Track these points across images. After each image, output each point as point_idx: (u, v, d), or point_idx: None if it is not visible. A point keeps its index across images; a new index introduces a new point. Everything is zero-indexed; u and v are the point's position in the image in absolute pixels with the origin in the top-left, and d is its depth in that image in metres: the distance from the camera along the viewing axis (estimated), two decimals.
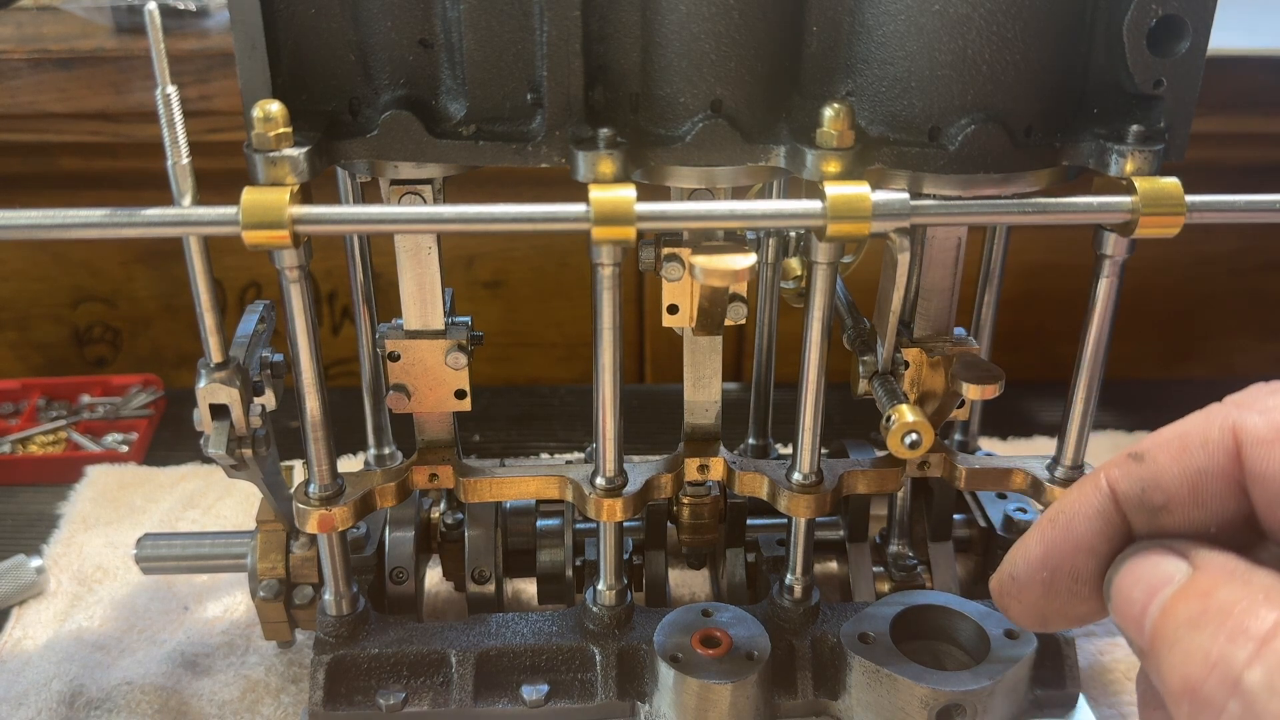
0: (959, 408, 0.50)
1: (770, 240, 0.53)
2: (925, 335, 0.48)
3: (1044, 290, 0.91)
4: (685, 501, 0.56)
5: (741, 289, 0.46)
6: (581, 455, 0.74)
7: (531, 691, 0.49)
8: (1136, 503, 0.31)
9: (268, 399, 0.46)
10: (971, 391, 0.44)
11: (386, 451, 0.59)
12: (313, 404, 0.45)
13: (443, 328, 0.48)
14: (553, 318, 0.99)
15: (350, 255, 0.53)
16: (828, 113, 0.39)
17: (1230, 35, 0.79)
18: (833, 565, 0.60)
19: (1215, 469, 0.30)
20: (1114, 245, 0.42)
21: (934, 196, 0.41)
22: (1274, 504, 0.29)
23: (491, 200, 0.39)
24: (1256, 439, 0.29)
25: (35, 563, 0.65)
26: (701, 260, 0.41)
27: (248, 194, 0.38)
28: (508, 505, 0.58)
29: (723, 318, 0.46)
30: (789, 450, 0.48)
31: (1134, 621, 0.29)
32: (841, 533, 0.59)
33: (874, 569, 0.58)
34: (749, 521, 0.58)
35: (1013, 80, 0.39)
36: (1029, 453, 0.50)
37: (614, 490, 0.47)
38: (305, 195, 0.39)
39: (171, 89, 0.38)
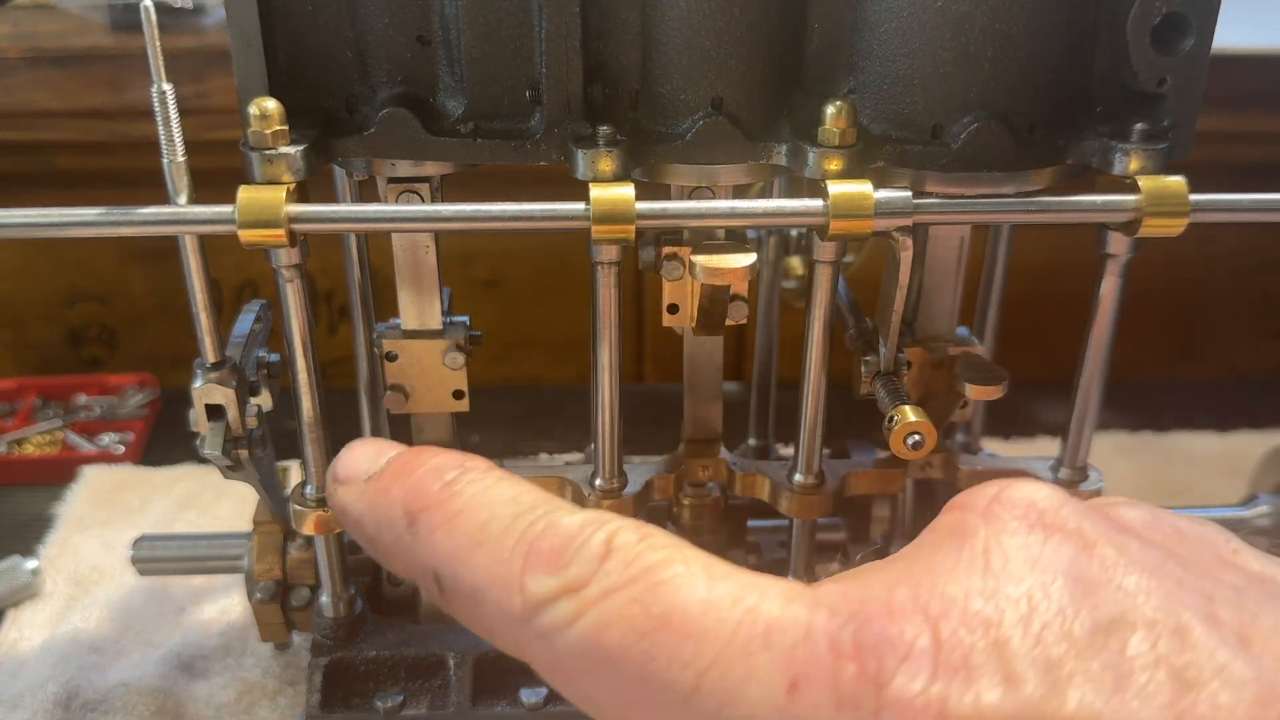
0: (962, 408, 0.50)
1: (771, 239, 0.53)
2: (928, 335, 0.48)
3: (1047, 290, 0.91)
4: (686, 503, 0.55)
5: (742, 288, 0.45)
6: (581, 456, 0.73)
7: (530, 695, 0.49)
8: None
9: (264, 399, 0.46)
10: (974, 392, 0.44)
11: None
12: (309, 404, 0.44)
13: (441, 327, 0.48)
14: (552, 318, 0.99)
15: (347, 254, 0.52)
16: (829, 110, 0.38)
17: (1235, 33, 0.79)
18: (834, 567, 0.59)
19: (514, 656, 0.28)
20: (1118, 244, 0.42)
21: (936, 195, 0.40)
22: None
23: (490, 198, 0.38)
24: (548, 675, 0.26)
25: (30, 564, 0.64)
26: (702, 259, 0.40)
27: (244, 192, 0.38)
28: None
29: (723, 317, 0.46)
30: (790, 451, 0.48)
31: None
32: (843, 534, 0.58)
33: None
34: (750, 523, 0.58)
35: (1016, 78, 0.39)
36: (1032, 454, 0.50)
37: (613, 491, 0.47)
38: (302, 194, 0.39)
39: (167, 86, 0.38)
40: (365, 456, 0.31)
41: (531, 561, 0.26)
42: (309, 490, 0.46)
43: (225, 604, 0.62)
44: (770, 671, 0.23)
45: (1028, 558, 0.24)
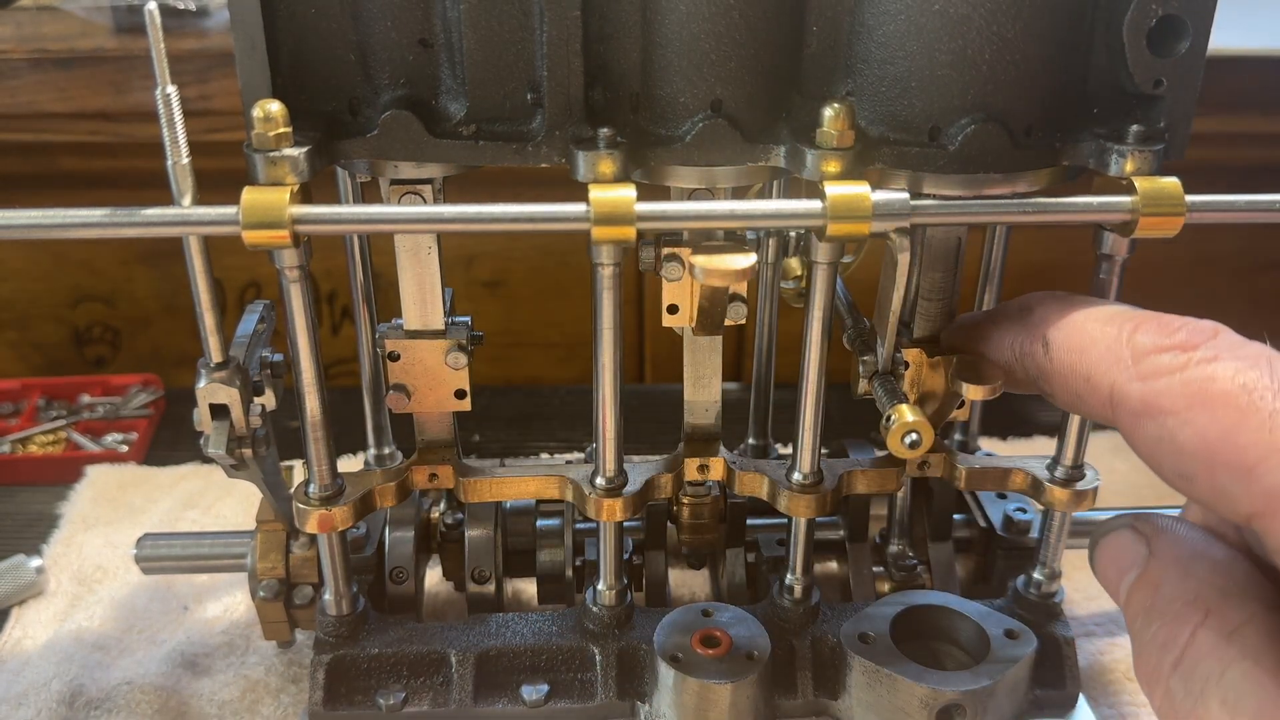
0: (959, 408, 0.50)
1: (770, 240, 0.53)
2: (925, 335, 0.48)
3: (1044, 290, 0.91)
4: (685, 501, 0.56)
5: (741, 289, 0.46)
6: (581, 455, 0.74)
7: (531, 691, 0.49)
8: (1028, 377, 0.38)
9: (267, 399, 0.46)
10: (971, 392, 0.44)
11: (386, 451, 0.59)
12: (312, 404, 0.45)
13: (443, 327, 0.48)
14: (553, 318, 0.99)
15: (350, 255, 0.53)
16: (828, 112, 0.39)
17: (1231, 35, 0.79)
18: (833, 565, 0.60)
19: (1094, 403, 0.34)
20: (1114, 245, 0.42)
21: (934, 196, 0.41)
22: (1148, 460, 0.32)
23: (492, 200, 0.39)
24: (1130, 410, 0.32)
25: (35, 563, 0.65)
26: (701, 260, 0.41)
27: (247, 194, 0.38)
28: (508, 505, 0.58)
29: (723, 318, 0.46)
30: (789, 450, 0.48)
31: (1113, 597, 0.34)
32: (841, 533, 0.59)
33: (874, 569, 0.58)
34: (749, 521, 0.58)
35: (1013, 80, 0.39)
36: (1029, 453, 0.50)
37: (614, 490, 0.47)
38: (305, 195, 0.39)
39: (171, 88, 0.38)
40: None
41: (1141, 326, 0.32)
42: (312, 489, 0.46)
43: (229, 602, 0.63)
44: None
45: None
